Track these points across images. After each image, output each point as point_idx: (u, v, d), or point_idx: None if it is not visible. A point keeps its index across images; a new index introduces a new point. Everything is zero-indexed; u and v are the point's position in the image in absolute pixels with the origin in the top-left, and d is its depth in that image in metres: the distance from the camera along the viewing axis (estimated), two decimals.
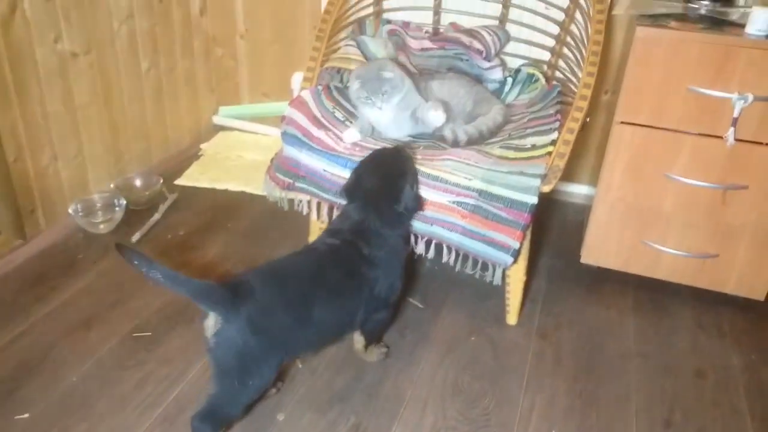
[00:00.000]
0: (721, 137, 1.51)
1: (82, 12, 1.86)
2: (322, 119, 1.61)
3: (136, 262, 1.09)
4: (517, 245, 1.42)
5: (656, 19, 1.56)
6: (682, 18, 1.62)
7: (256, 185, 2.26)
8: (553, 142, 1.50)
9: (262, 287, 1.17)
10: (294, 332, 1.21)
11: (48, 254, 1.83)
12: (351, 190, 1.39)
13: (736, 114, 1.47)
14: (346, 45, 1.83)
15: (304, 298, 1.23)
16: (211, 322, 1.14)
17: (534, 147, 1.52)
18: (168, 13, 2.24)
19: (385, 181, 1.38)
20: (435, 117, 1.57)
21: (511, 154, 1.52)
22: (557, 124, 1.56)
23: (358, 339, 1.47)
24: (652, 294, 1.77)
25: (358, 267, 1.32)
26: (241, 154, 2.50)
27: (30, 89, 1.73)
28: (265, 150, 2.53)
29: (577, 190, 2.30)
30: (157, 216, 2.03)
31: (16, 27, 1.65)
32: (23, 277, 1.73)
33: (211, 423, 1.19)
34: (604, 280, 1.83)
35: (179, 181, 2.29)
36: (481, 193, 1.41)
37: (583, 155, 2.23)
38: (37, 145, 1.79)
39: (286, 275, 1.25)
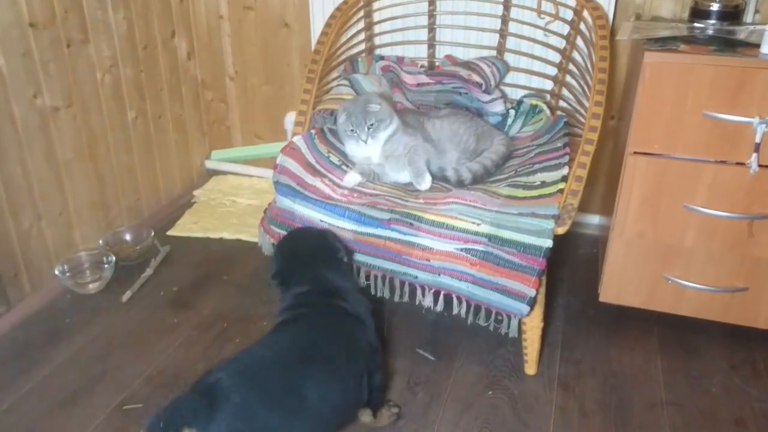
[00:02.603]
0: (743, 164, 1.41)
1: (62, 64, 1.78)
2: (317, 165, 1.52)
3: None
4: (532, 293, 1.31)
5: (664, 43, 1.48)
6: (691, 40, 1.53)
7: (252, 232, 2.16)
8: (564, 178, 1.41)
9: (238, 384, 1.00)
10: (289, 427, 1.03)
11: (33, 321, 1.73)
12: (287, 268, 1.27)
13: (758, 139, 1.38)
14: (338, 85, 1.75)
15: (293, 382, 1.05)
16: None
17: (544, 184, 1.43)
18: (154, 59, 2.17)
19: (314, 240, 1.32)
20: (420, 184, 1.50)
21: (520, 192, 1.43)
22: (567, 158, 1.47)
23: (362, 411, 1.32)
24: (677, 332, 1.66)
25: (350, 327, 1.20)
26: (235, 199, 2.41)
27: (8, 149, 1.65)
28: (260, 194, 2.44)
29: (588, 220, 2.20)
30: (149, 272, 1.93)
31: None
32: (6, 348, 1.62)
33: None
34: (626, 318, 1.71)
35: (172, 232, 2.19)
36: (491, 238, 1.31)
37: (592, 183, 2.14)
38: (18, 206, 1.70)
39: (265, 361, 1.07)
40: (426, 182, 1.49)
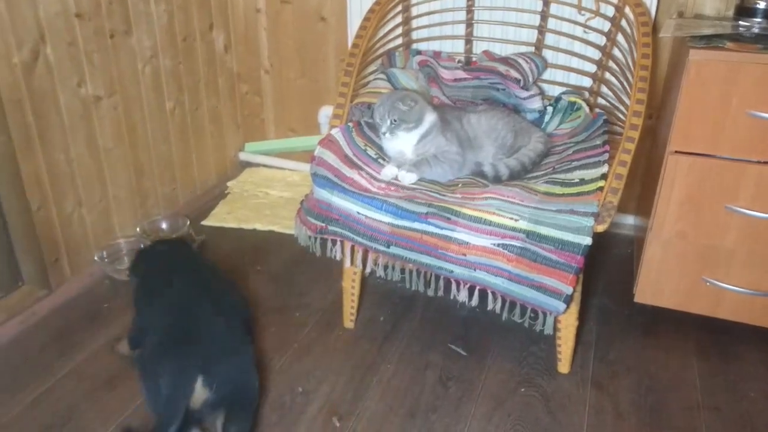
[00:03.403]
0: None
1: (105, 54, 1.82)
2: (354, 158, 1.53)
3: None
4: (569, 291, 1.30)
5: (710, 41, 1.45)
6: (736, 38, 1.50)
7: (284, 224, 2.19)
8: (604, 176, 1.39)
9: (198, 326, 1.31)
10: None
11: (73, 305, 1.77)
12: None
13: None
14: (376, 78, 1.75)
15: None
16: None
17: (583, 181, 1.41)
18: (192, 51, 2.20)
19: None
20: (405, 178, 1.48)
21: (558, 189, 1.41)
22: (606, 156, 1.45)
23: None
24: (715, 336, 1.63)
25: None
26: (268, 191, 2.43)
27: (53, 136, 1.69)
28: (292, 186, 2.46)
29: (622, 220, 2.17)
30: None
31: (38, 74, 1.61)
32: (47, 330, 1.67)
33: None
34: (661, 320, 1.69)
35: (206, 222, 2.22)
36: (529, 234, 1.30)
37: (627, 183, 2.10)
38: (60, 192, 1.74)
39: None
40: (405, 179, 1.47)
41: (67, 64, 1.70)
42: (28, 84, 1.59)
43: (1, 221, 1.61)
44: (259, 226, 2.20)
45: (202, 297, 1.42)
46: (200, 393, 1.18)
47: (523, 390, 1.46)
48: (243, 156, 2.60)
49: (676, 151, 1.48)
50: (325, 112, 2.41)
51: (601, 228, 1.30)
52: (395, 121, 1.50)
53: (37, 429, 1.34)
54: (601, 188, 1.37)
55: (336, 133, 1.55)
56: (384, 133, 1.52)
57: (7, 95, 1.54)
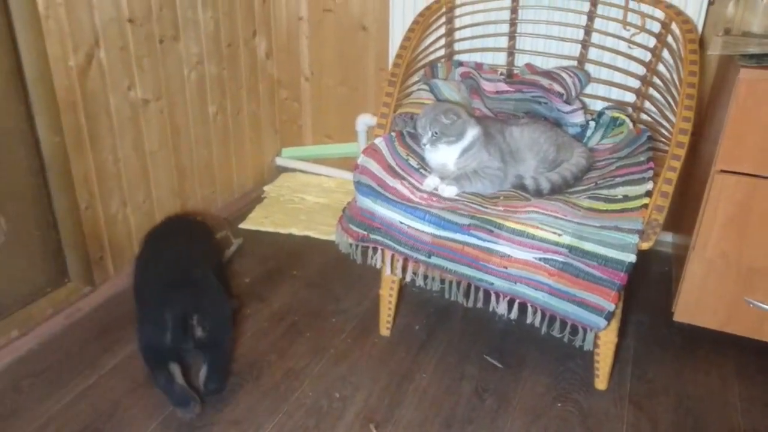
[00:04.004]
0: None
1: (154, 59, 1.87)
2: (397, 167, 1.54)
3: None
4: (611, 307, 1.30)
5: (760, 60, 1.44)
6: None
7: (319, 230, 2.21)
8: (648, 193, 1.39)
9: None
10: None
11: (115, 302, 1.81)
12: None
13: None
14: (419, 89, 1.77)
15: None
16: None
17: (626, 198, 1.41)
18: (236, 57, 2.24)
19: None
20: (444, 191, 1.49)
21: (601, 205, 1.41)
22: (650, 173, 1.45)
23: None
24: (756, 358, 1.60)
25: None
26: (304, 196, 2.46)
27: (103, 137, 1.74)
28: (327, 192, 2.49)
29: (660, 237, 2.14)
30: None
31: (92, 77, 1.66)
32: (91, 326, 1.71)
33: (226, 378, 1.48)
34: (700, 339, 1.67)
35: (243, 225, 2.26)
36: (572, 249, 1.30)
37: None
38: (107, 192, 1.79)
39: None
40: (446, 191, 1.48)
41: (118, 68, 1.74)
42: (82, 86, 1.64)
43: (51, 219, 1.66)
44: (295, 231, 2.23)
45: (189, 254, 1.66)
46: (195, 330, 1.40)
47: (559, 405, 1.46)
48: (279, 161, 2.63)
49: (721, 170, 1.47)
50: (363, 120, 2.43)
51: (645, 245, 1.30)
52: (436, 133, 1.51)
53: (80, 424, 1.38)
54: (645, 205, 1.36)
55: (379, 142, 1.56)
56: (425, 145, 1.54)
57: (62, 97, 1.59)
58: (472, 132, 1.54)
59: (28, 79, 1.52)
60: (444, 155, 1.54)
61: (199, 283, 1.52)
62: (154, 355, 1.43)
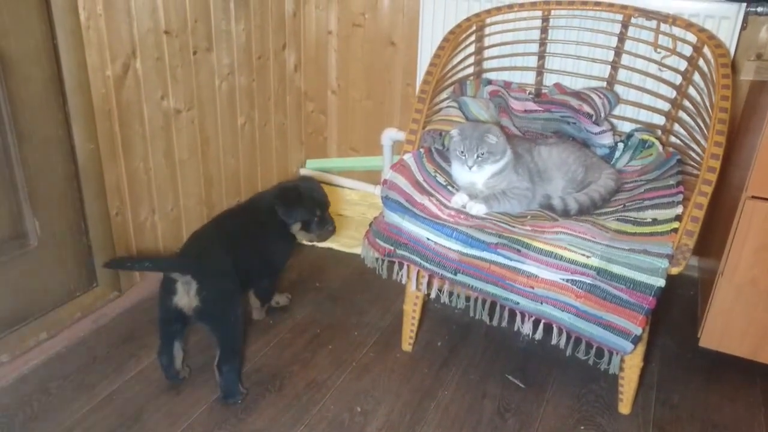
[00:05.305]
0: None
1: (188, 70, 1.90)
2: (425, 184, 1.55)
3: (128, 265, 1.72)
4: (638, 331, 1.29)
5: None
6: None
7: (342, 242, 2.22)
8: (678, 218, 1.38)
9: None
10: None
11: (141, 308, 1.83)
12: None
13: None
14: (448, 106, 1.78)
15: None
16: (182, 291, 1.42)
17: (656, 221, 1.40)
18: (265, 69, 2.27)
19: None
20: (472, 208, 1.50)
21: (630, 228, 1.41)
22: (680, 197, 1.44)
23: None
24: None
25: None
26: None
27: (135, 145, 1.77)
28: (350, 205, 2.50)
29: None
30: None
31: (127, 86, 1.70)
32: (117, 331, 1.73)
33: (234, 359, 1.47)
34: (725, 366, 1.65)
35: None
36: (600, 272, 1.29)
37: None
38: (137, 200, 1.82)
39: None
40: (473, 209, 1.49)
41: (153, 78, 1.78)
42: (118, 95, 1.68)
43: (83, 225, 1.69)
44: (318, 243, 2.23)
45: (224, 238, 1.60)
46: (192, 299, 1.42)
47: (582, 428, 1.45)
48: (303, 172, 2.66)
49: (753, 197, 1.46)
50: (388, 134, 2.44)
51: (675, 270, 1.29)
52: (483, 154, 1.51)
53: (106, 428, 1.39)
54: (675, 230, 1.35)
55: (408, 158, 1.57)
56: (471, 167, 1.52)
57: (98, 105, 1.62)
58: (509, 152, 1.54)
59: (68, 87, 1.55)
60: (478, 175, 1.54)
61: (212, 255, 1.51)
62: (161, 324, 1.50)
